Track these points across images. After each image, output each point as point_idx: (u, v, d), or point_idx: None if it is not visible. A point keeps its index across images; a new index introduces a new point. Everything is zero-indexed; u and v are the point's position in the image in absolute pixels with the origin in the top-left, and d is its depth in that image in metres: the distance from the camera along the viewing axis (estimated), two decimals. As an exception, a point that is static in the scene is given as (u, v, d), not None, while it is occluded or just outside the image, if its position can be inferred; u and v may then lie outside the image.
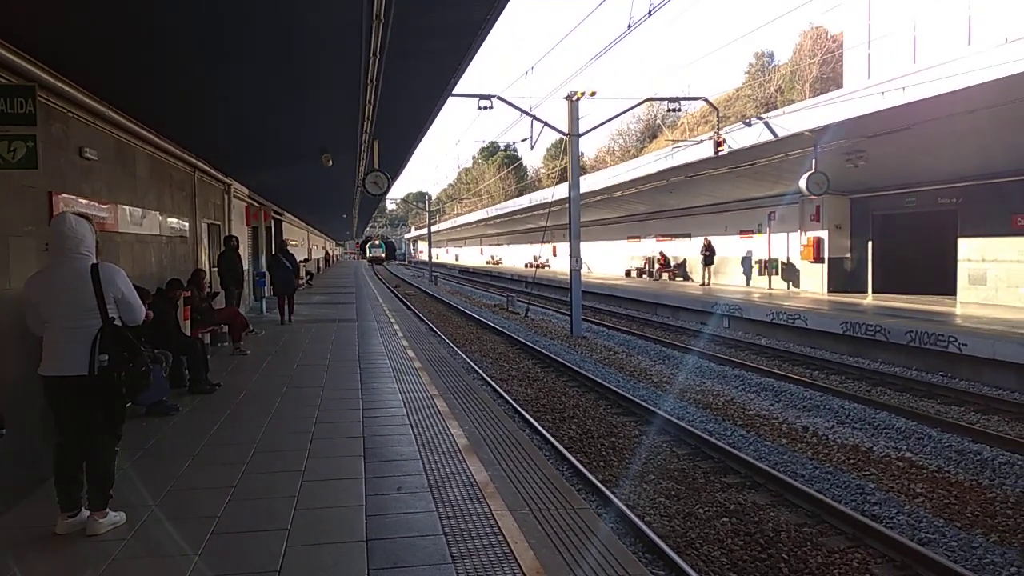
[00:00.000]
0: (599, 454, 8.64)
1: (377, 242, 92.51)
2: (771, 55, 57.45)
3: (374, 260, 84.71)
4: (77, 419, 4.11)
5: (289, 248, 17.13)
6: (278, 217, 26.32)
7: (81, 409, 4.08)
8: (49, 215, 6.33)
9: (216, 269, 13.65)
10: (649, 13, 11.12)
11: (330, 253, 72.18)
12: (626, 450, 8.77)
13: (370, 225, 71.14)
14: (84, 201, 7.15)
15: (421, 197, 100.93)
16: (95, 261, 4.24)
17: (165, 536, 4.03)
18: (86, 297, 4.09)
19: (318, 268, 43.68)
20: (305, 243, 36.05)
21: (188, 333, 9.07)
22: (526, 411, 10.30)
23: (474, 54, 8.24)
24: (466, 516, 4.38)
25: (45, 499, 4.47)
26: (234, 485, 4.93)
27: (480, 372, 13.46)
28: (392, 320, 16.43)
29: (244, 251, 17.08)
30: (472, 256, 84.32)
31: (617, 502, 6.63)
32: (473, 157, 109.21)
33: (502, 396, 11.27)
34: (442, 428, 6.56)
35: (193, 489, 4.88)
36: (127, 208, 8.66)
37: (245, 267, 16.56)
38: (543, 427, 9.42)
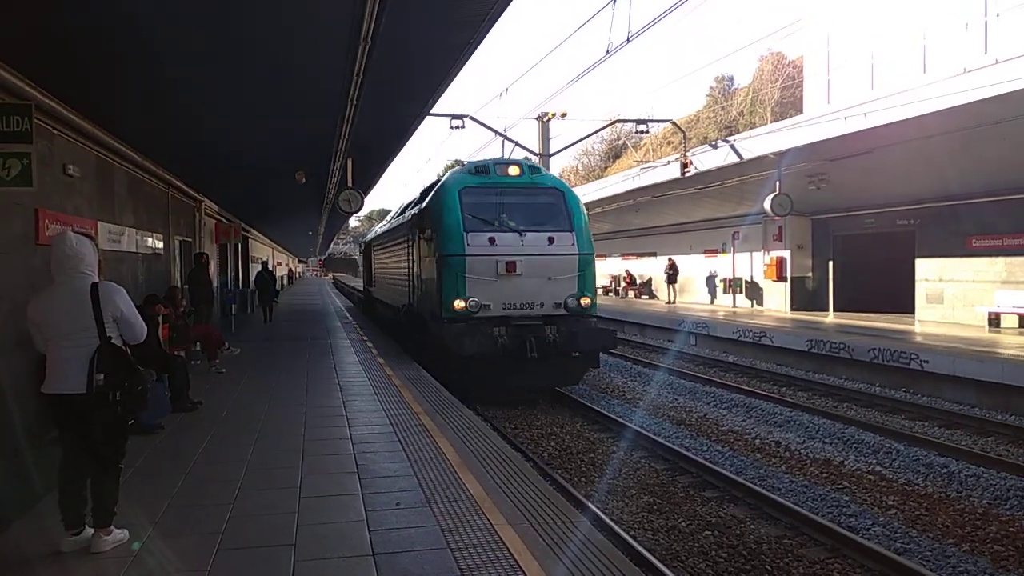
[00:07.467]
0: (579, 470, 8.74)
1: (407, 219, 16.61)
2: (731, 78, 58.75)
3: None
4: (79, 437, 4.11)
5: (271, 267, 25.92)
6: (246, 234, 26.19)
7: (82, 427, 4.08)
8: (36, 232, 6.30)
9: (187, 287, 13.52)
10: (628, 40, 11.44)
11: (293, 270, 71.28)
12: (605, 466, 8.89)
13: (334, 242, 67.15)
14: (67, 218, 7.10)
15: (385, 215, 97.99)
16: (96, 280, 4.25)
17: (172, 552, 4.02)
18: (84, 316, 4.09)
19: (282, 285, 43.30)
20: (271, 260, 35.86)
21: (166, 351, 8.99)
22: (503, 427, 10.37)
23: (456, 74, 8.39)
24: (467, 529, 4.46)
25: (42, 517, 4.45)
26: (232, 502, 4.93)
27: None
28: (364, 338, 16.40)
29: (213, 268, 16.94)
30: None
31: (606, 518, 6.74)
32: (437, 175, 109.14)
33: (479, 415, 11.30)
34: (431, 445, 6.62)
35: (192, 506, 4.87)
36: (107, 225, 8.60)
37: (215, 285, 16.44)
38: (520, 444, 9.51)
